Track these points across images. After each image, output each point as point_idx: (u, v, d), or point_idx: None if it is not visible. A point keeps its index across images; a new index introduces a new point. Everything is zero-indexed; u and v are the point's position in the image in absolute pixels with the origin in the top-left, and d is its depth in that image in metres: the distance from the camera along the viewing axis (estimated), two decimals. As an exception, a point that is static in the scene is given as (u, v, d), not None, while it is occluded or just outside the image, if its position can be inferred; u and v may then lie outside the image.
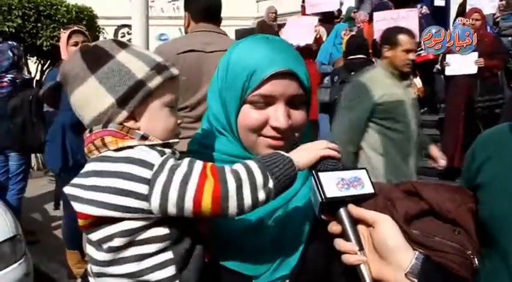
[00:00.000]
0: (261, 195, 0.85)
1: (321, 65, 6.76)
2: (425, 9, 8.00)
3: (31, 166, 4.71)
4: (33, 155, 4.60)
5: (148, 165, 0.84)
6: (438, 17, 8.29)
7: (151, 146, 0.89)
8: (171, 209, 0.83)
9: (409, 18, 6.46)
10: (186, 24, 2.99)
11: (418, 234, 1.02)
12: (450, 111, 6.10)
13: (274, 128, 0.97)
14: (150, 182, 0.83)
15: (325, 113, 5.97)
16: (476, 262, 1.01)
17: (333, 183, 0.86)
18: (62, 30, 4.02)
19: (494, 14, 6.98)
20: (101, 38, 10.11)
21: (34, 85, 7.62)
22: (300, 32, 6.91)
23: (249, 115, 0.98)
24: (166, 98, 0.94)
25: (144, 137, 0.90)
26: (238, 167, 0.87)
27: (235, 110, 0.99)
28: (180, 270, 0.87)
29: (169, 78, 0.93)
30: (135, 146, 0.89)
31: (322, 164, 0.91)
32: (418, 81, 7.03)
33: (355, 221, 0.87)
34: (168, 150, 0.90)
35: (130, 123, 0.91)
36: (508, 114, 4.52)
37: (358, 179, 0.89)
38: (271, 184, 0.85)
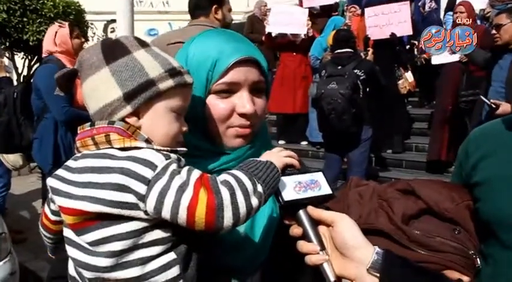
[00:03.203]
0: (254, 201, 0.84)
1: (316, 60, 6.65)
2: (434, 4, 7.95)
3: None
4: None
5: (151, 165, 0.83)
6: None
7: (158, 150, 0.88)
8: (165, 214, 0.82)
9: (401, 11, 6.43)
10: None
11: (418, 235, 0.99)
12: (438, 105, 6.13)
13: (242, 115, 1.00)
14: (149, 183, 0.82)
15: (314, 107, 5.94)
16: (479, 262, 0.99)
17: (290, 187, 0.89)
18: (57, 23, 3.96)
19: (484, 9, 6.97)
20: (90, 33, 10.00)
21: (21, 80, 7.56)
22: (292, 21, 6.83)
23: (216, 106, 1.00)
24: (174, 103, 0.92)
25: (147, 141, 0.89)
26: (226, 177, 0.85)
27: (201, 102, 1.00)
28: (184, 270, 0.87)
29: (181, 84, 0.92)
30: (142, 147, 0.87)
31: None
32: (409, 75, 7.04)
33: (316, 222, 0.89)
34: (173, 156, 0.89)
35: (133, 120, 0.90)
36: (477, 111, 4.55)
37: (315, 182, 0.91)
38: (260, 189, 0.85)
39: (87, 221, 0.85)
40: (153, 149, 0.88)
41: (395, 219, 1.04)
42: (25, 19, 7.15)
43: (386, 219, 1.05)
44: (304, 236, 0.88)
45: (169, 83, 0.90)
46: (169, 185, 0.81)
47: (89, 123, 0.91)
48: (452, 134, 5.67)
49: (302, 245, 0.87)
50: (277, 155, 0.93)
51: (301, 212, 0.89)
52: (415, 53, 7.19)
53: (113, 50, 0.91)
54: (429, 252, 0.98)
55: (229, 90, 1.00)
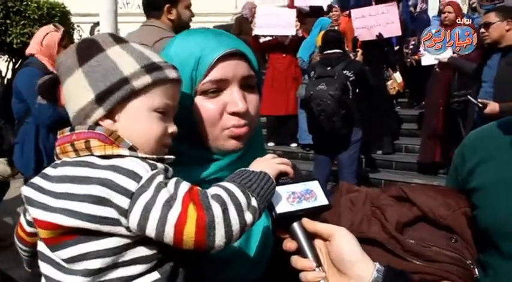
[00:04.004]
0: (248, 217, 0.77)
1: (303, 62, 6.62)
2: (424, 5, 7.99)
3: None
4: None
5: (135, 176, 0.76)
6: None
7: (143, 158, 0.80)
8: (150, 231, 0.74)
9: (389, 13, 6.42)
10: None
11: (413, 244, 0.94)
12: (429, 105, 6.11)
13: (234, 114, 0.92)
14: (133, 196, 0.74)
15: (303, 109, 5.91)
16: (477, 272, 0.95)
17: (283, 198, 0.82)
18: (52, 25, 3.81)
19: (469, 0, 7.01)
20: (76, 36, 9.88)
21: (6, 84, 7.42)
22: (279, 22, 6.81)
23: (205, 107, 0.92)
24: (155, 102, 0.84)
25: (132, 148, 0.81)
26: (217, 190, 0.78)
27: (189, 104, 0.92)
28: None
29: (161, 80, 0.84)
30: (125, 156, 0.80)
31: None
32: (398, 76, 7.04)
33: (311, 236, 0.83)
34: (160, 165, 0.81)
35: (108, 124, 0.82)
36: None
37: (310, 191, 0.85)
38: (254, 203, 0.78)
39: (62, 235, 0.78)
40: (137, 157, 0.80)
41: (388, 227, 0.99)
42: (8, 21, 7.04)
43: (379, 227, 1.00)
44: (299, 251, 0.81)
45: (145, 79, 0.82)
46: (155, 199, 0.74)
47: (68, 128, 0.84)
48: (444, 135, 5.65)
49: (296, 261, 0.81)
50: (270, 163, 0.85)
51: (295, 225, 0.82)
52: (405, 53, 7.21)
53: (87, 50, 0.84)
54: (424, 263, 0.93)
55: (217, 88, 0.92)
